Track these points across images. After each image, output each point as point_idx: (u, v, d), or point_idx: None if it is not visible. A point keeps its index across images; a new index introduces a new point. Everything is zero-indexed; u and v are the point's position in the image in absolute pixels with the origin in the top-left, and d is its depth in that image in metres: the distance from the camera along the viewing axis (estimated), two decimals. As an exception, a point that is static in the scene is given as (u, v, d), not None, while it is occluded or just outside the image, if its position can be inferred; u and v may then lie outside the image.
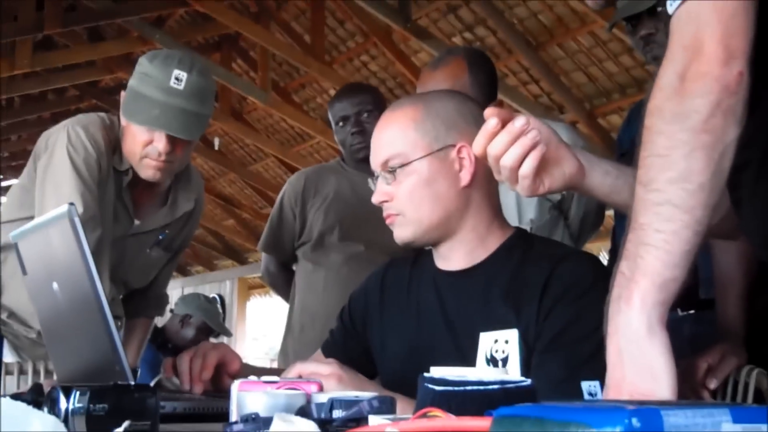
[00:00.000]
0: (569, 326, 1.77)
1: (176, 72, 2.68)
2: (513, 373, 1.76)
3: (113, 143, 2.84)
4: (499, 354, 1.80)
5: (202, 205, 3.29)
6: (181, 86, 2.67)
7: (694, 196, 1.24)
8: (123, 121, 2.80)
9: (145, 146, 2.74)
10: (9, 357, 2.91)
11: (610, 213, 3.66)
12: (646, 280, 1.24)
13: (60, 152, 2.74)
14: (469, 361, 1.83)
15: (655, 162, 1.28)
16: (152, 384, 2.35)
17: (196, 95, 2.71)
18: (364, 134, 3.57)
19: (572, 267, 1.85)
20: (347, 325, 2.24)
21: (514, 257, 1.93)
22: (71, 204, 1.61)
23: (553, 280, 1.82)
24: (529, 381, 1.15)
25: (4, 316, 2.94)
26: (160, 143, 2.71)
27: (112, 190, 2.86)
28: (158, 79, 2.68)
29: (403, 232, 1.99)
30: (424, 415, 1.00)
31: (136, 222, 2.97)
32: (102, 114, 2.92)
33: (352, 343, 2.21)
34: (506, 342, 1.80)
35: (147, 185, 2.90)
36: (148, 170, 2.78)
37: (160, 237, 3.08)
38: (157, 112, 2.67)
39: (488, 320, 1.86)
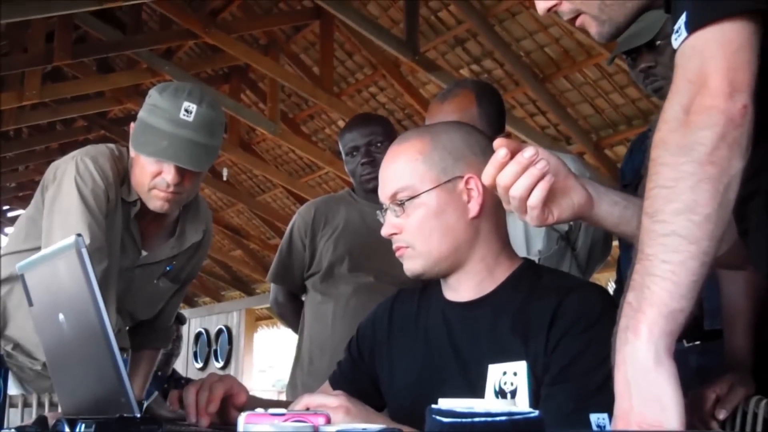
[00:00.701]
0: (577, 358, 1.76)
1: (186, 104, 2.68)
2: (522, 405, 1.75)
3: (121, 174, 2.84)
4: (508, 386, 1.79)
5: (210, 237, 3.27)
6: (191, 118, 2.67)
7: (701, 227, 1.25)
8: (132, 152, 2.79)
9: (153, 177, 2.73)
10: (14, 389, 2.88)
11: (617, 243, 3.66)
12: (653, 310, 1.24)
13: (68, 183, 2.74)
14: (478, 392, 1.82)
15: (661, 193, 1.28)
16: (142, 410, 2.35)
17: (205, 127, 2.71)
18: (374, 165, 3.57)
19: (580, 299, 1.84)
20: (355, 357, 2.23)
21: (522, 289, 1.92)
22: (78, 235, 1.61)
23: (561, 313, 1.81)
24: (536, 412, 1.15)
25: (9, 347, 2.92)
26: (169, 174, 2.71)
27: (120, 220, 2.85)
28: (167, 110, 2.69)
29: (413, 265, 1.99)
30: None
31: (144, 253, 2.96)
32: (111, 145, 2.91)
33: (360, 374, 2.21)
34: (515, 374, 1.80)
35: (155, 216, 2.90)
36: (156, 201, 2.77)
37: (168, 268, 3.06)
38: (166, 143, 2.67)
39: (497, 352, 1.85)
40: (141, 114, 2.77)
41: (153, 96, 2.76)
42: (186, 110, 2.67)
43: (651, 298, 1.25)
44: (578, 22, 1.68)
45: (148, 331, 3.23)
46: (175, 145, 2.67)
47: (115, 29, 8.53)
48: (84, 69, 9.42)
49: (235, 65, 9.82)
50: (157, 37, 8.93)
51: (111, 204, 2.79)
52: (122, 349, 3.12)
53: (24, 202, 14.20)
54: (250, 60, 8.72)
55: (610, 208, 1.74)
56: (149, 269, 3.02)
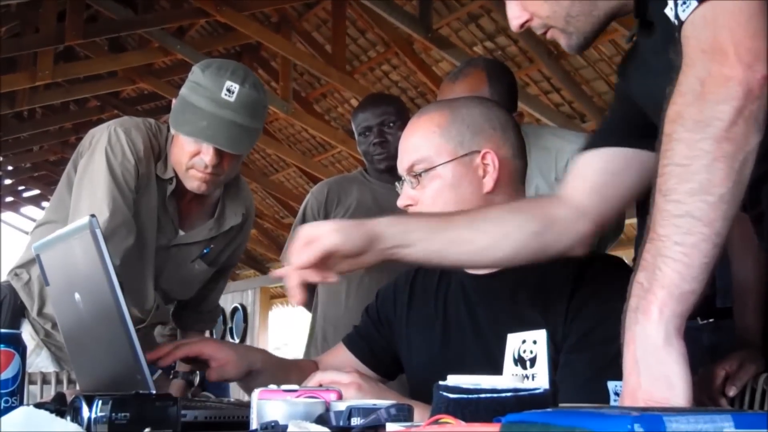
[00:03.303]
0: (596, 327, 1.79)
1: (228, 83, 2.63)
2: (541, 372, 1.77)
3: (156, 150, 2.81)
4: (527, 354, 1.81)
5: (251, 221, 3.22)
6: (232, 98, 2.63)
7: (715, 208, 1.24)
8: (172, 129, 2.77)
9: (191, 157, 2.71)
10: (51, 367, 2.90)
11: (631, 222, 3.66)
12: (664, 292, 1.24)
13: (99, 153, 2.71)
14: (497, 361, 1.84)
15: (675, 171, 1.27)
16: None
17: (246, 108, 2.66)
18: (387, 145, 3.59)
19: (601, 270, 1.86)
20: (373, 319, 2.26)
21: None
22: (92, 216, 1.63)
23: (582, 283, 1.84)
24: (541, 389, 1.17)
25: (48, 326, 2.92)
26: (207, 156, 2.68)
27: (155, 197, 2.82)
28: (209, 89, 2.64)
29: None
30: (436, 422, 1.02)
31: (181, 233, 2.93)
32: (150, 120, 2.88)
33: (377, 335, 2.24)
34: (534, 342, 1.81)
35: (195, 196, 2.86)
36: (193, 181, 2.75)
37: (205, 251, 3.02)
38: (205, 123, 2.63)
39: (516, 322, 1.86)
40: (182, 91, 2.73)
41: (196, 73, 2.71)
42: (228, 90, 2.62)
43: (662, 279, 1.25)
44: (548, 35, 1.72)
45: (193, 313, 3.24)
46: (214, 126, 2.62)
47: (126, 8, 8.52)
48: (96, 48, 9.41)
49: (246, 43, 9.80)
50: (168, 16, 8.91)
51: (142, 179, 2.76)
52: (162, 324, 3.12)
53: (39, 182, 14.26)
54: (262, 38, 8.69)
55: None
56: (185, 250, 2.98)
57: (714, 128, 1.24)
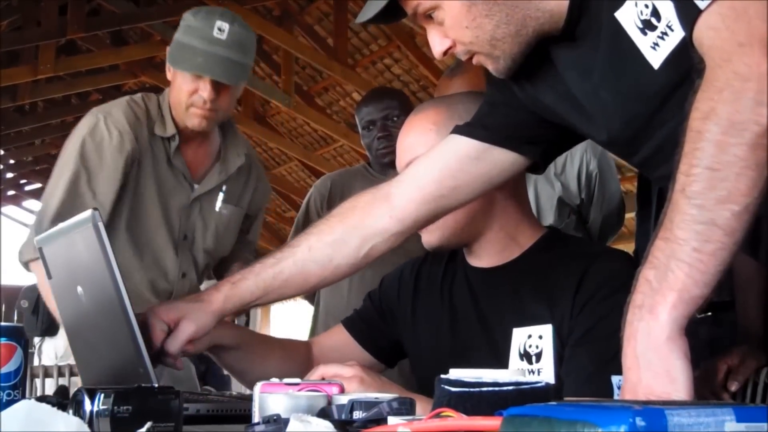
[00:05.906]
0: (601, 321, 1.78)
1: (219, 23, 2.79)
2: (546, 367, 1.78)
3: (149, 115, 2.95)
4: (533, 349, 1.82)
5: (258, 164, 3.38)
6: (224, 36, 2.79)
7: (739, 218, 1.19)
8: (168, 74, 2.94)
9: (190, 95, 2.85)
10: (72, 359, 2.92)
11: (631, 215, 3.67)
12: (674, 295, 1.21)
13: (74, 139, 2.90)
14: (502, 356, 1.84)
15: (704, 175, 1.20)
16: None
17: (237, 45, 2.82)
18: (390, 139, 3.57)
19: (606, 264, 1.86)
20: (376, 305, 2.26)
21: (548, 254, 1.95)
22: (95, 209, 1.63)
23: (588, 277, 1.83)
24: (543, 382, 1.17)
25: None
26: (205, 91, 2.82)
27: (162, 159, 2.96)
28: (201, 29, 2.80)
29: (430, 238, 2.02)
30: (438, 416, 1.02)
31: (196, 186, 3.04)
32: (135, 96, 3.05)
33: (378, 321, 2.23)
34: (540, 337, 1.82)
35: (197, 146, 3.02)
36: (194, 119, 2.88)
37: (222, 194, 3.13)
38: (201, 59, 2.79)
39: (521, 316, 1.88)
40: (176, 35, 2.90)
41: (187, 18, 2.88)
42: (219, 29, 2.79)
43: (674, 282, 1.21)
44: (474, 60, 1.69)
45: (234, 248, 3.29)
46: (209, 61, 2.78)
47: (128, 1, 8.52)
48: (98, 42, 9.41)
49: (249, 37, 9.80)
50: (170, 9, 8.89)
51: (138, 149, 2.89)
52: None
53: (41, 175, 14.25)
54: (264, 32, 8.68)
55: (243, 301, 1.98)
56: (207, 200, 3.09)
57: (751, 133, 1.18)
